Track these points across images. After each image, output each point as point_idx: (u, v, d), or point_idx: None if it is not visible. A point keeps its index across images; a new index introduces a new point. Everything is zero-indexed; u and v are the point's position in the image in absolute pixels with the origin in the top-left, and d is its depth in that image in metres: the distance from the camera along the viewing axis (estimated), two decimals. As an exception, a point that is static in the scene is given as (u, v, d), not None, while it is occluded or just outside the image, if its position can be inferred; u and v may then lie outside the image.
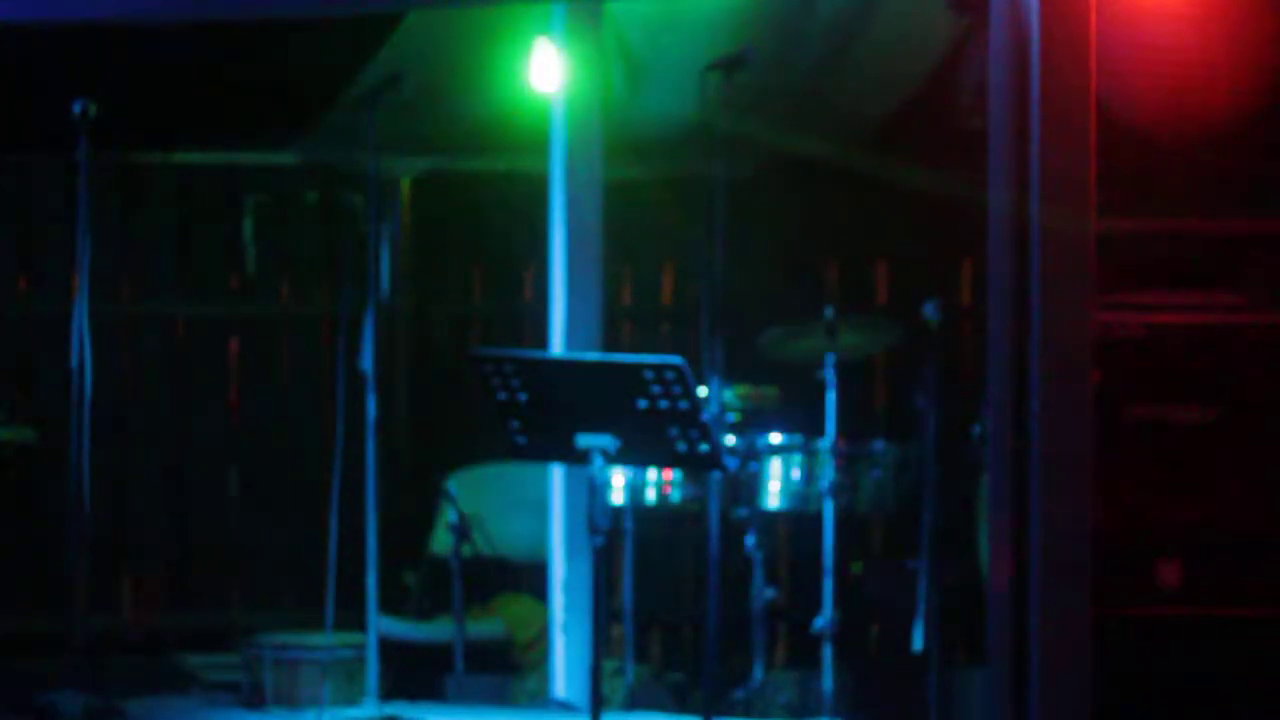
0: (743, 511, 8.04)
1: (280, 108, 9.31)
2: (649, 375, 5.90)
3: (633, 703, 8.11)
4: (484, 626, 8.66)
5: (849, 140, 9.41)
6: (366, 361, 7.52)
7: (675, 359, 5.91)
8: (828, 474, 7.94)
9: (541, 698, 8.24)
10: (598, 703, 6.03)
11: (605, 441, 5.95)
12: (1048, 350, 6.17)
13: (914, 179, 8.95)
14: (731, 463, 7.90)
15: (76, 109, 7.46)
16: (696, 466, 6.95)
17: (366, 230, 7.83)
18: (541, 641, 8.42)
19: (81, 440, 7.38)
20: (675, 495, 8.08)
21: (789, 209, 9.63)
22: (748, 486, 8.01)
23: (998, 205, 6.28)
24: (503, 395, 6.07)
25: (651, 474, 8.07)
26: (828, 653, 7.85)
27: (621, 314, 9.96)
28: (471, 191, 10.06)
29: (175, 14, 7.50)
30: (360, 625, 7.63)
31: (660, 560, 9.43)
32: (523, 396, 6.06)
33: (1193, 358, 6.86)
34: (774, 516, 8.38)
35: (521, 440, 6.16)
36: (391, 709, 7.54)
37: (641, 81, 8.81)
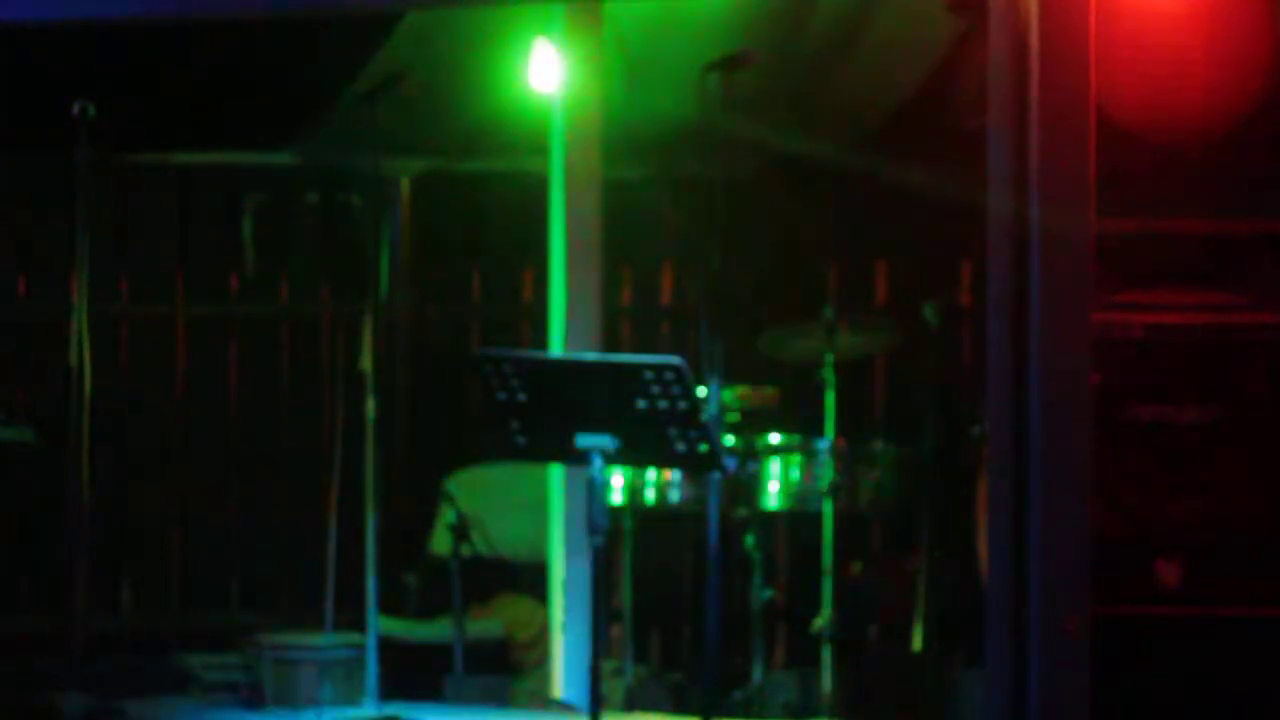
0: (742, 511, 8.04)
1: (280, 108, 9.31)
2: (648, 375, 5.90)
3: (632, 703, 8.11)
4: (483, 627, 8.66)
5: (849, 140, 9.41)
6: (366, 361, 7.52)
7: (675, 359, 5.91)
8: (827, 474, 7.94)
9: (541, 698, 8.24)
10: (597, 703, 6.03)
11: (604, 442, 5.95)
12: (1047, 350, 6.17)
13: (914, 179, 8.94)
14: (731, 463, 7.90)
15: (76, 109, 7.46)
16: (696, 467, 6.95)
17: (366, 230, 7.84)
18: (541, 642, 8.42)
19: (81, 440, 7.38)
20: (675, 495, 8.08)
21: (789, 209, 9.63)
22: (747, 486, 8.01)
23: (997, 206, 6.28)
24: (502, 395, 6.07)
25: (651, 474, 8.06)
26: (827, 653, 7.85)
27: (621, 314, 9.96)
28: (471, 191, 10.07)
29: (175, 14, 7.50)
30: (360, 625, 7.63)
31: (660, 560, 9.43)
32: (522, 397, 6.06)
33: (1193, 358, 6.85)
34: (773, 516, 8.38)
35: (521, 440, 6.15)
36: (391, 709, 7.54)
37: (641, 81, 8.81)
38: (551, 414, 6.04)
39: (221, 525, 9.91)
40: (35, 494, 9.16)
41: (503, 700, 8.30)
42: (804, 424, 8.13)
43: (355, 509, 7.58)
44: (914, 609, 7.06)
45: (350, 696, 7.79)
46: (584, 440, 5.96)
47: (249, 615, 9.57)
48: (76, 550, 7.43)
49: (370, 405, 7.52)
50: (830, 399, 8.02)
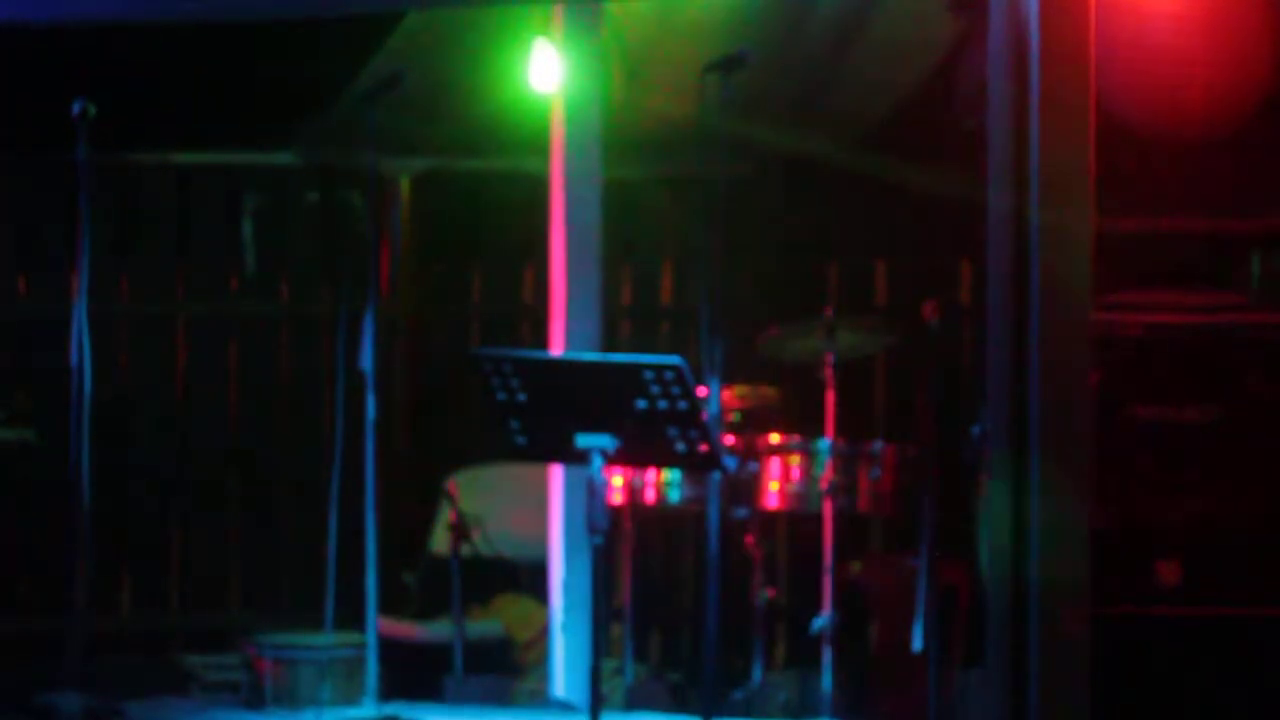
0: (742, 511, 8.03)
1: (280, 107, 9.31)
2: (648, 375, 5.90)
3: (632, 703, 8.10)
4: (483, 627, 8.66)
5: (849, 140, 9.41)
6: (366, 361, 7.52)
7: (675, 359, 5.91)
8: (827, 474, 7.94)
9: (541, 698, 8.24)
10: (597, 703, 6.03)
11: (604, 442, 5.95)
12: (1047, 350, 6.16)
13: (914, 179, 8.94)
14: (731, 463, 7.90)
15: (76, 109, 7.45)
16: (696, 467, 6.95)
17: (366, 230, 7.83)
18: (541, 642, 8.42)
19: (81, 440, 7.37)
20: (675, 495, 8.08)
21: (789, 209, 9.63)
22: (747, 486, 8.01)
23: (997, 205, 6.28)
24: (502, 395, 6.07)
25: (651, 474, 8.06)
26: (827, 653, 7.85)
27: (621, 314, 9.95)
28: (471, 191, 10.06)
29: (175, 14, 7.50)
30: (360, 625, 7.62)
31: (660, 560, 9.43)
32: (522, 397, 6.06)
33: (1193, 358, 6.85)
34: (773, 516, 8.37)
35: (521, 440, 6.15)
36: (391, 709, 7.54)
37: (641, 81, 8.81)
38: (551, 414, 6.04)
39: (221, 525, 9.91)
40: (35, 494, 9.15)
41: (503, 700, 8.30)
42: (804, 424, 8.12)
43: (355, 509, 7.58)
44: (914, 609, 7.05)
45: (350, 696, 7.79)
46: (584, 440, 5.96)
47: (249, 615, 9.57)
48: (76, 550, 7.42)
49: (370, 405, 7.52)
50: (830, 399, 8.02)
